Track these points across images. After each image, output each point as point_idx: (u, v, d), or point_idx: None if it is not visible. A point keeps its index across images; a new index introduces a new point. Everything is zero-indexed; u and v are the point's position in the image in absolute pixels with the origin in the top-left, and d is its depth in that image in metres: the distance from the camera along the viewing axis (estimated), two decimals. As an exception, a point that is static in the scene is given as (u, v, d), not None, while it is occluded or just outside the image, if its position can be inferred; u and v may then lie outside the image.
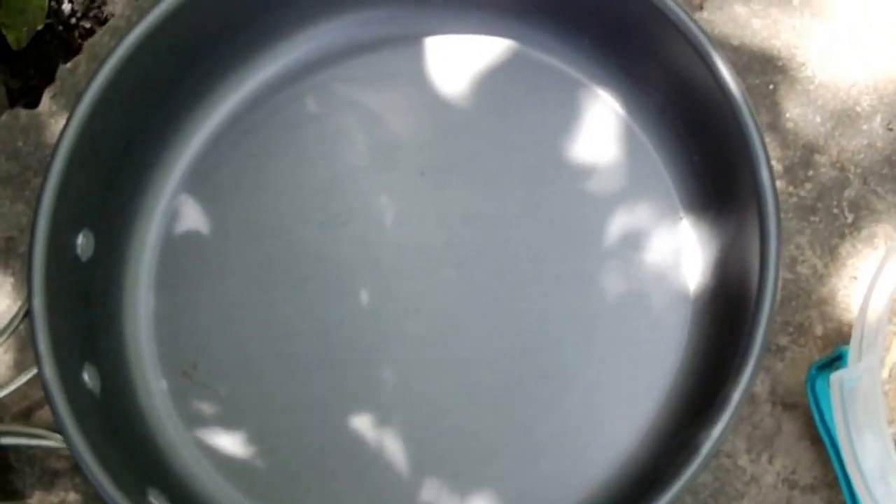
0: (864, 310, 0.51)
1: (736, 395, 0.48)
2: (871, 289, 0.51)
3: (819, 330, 0.57)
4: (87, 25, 0.75)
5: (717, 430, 0.48)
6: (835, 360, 0.53)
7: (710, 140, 0.54)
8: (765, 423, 0.56)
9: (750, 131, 0.50)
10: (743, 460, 0.55)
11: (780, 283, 0.49)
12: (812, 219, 0.58)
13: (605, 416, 0.54)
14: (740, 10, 0.61)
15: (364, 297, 0.55)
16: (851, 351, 0.50)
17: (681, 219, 0.56)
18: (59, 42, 0.75)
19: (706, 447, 0.48)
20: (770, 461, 0.55)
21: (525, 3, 0.56)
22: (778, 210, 0.50)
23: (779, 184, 0.58)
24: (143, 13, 0.52)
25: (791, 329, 0.57)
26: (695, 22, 0.51)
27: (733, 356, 0.49)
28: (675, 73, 0.54)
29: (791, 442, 0.55)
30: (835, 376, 0.50)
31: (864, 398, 0.49)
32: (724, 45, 0.59)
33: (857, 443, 0.49)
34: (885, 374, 0.54)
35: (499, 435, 0.54)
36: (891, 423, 0.53)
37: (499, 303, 0.56)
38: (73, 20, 0.75)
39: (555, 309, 0.55)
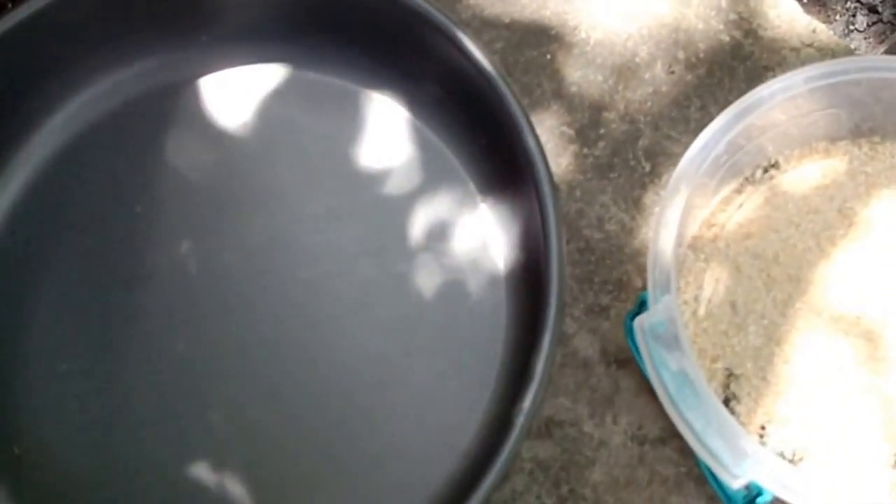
0: (653, 252, 0.51)
1: (539, 365, 0.48)
2: (657, 229, 0.51)
3: (638, 283, 0.57)
4: None
5: (527, 401, 0.48)
6: (641, 307, 0.53)
7: (487, 120, 0.54)
8: (602, 385, 0.56)
9: (507, 99, 0.51)
10: (588, 426, 0.55)
11: (564, 247, 0.50)
12: (611, 175, 0.58)
13: (443, 410, 0.54)
14: (505, -12, 0.61)
15: (182, 345, 0.55)
16: (650, 294, 0.50)
17: (480, 203, 0.56)
18: None
19: (520, 420, 0.48)
20: (615, 421, 0.55)
21: (285, 26, 0.57)
22: (548, 168, 0.50)
23: (572, 147, 0.58)
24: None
25: (610, 287, 0.57)
26: (440, 11, 0.52)
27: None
28: (440, 62, 0.54)
29: (631, 398, 0.55)
30: (637, 321, 0.49)
31: (667, 336, 0.49)
32: (495, 25, 0.60)
33: (671, 384, 0.49)
34: (701, 311, 0.54)
35: (342, 448, 0.54)
36: (715, 359, 0.54)
37: (319, 322, 0.56)
38: None
39: (377, 315, 0.56)
